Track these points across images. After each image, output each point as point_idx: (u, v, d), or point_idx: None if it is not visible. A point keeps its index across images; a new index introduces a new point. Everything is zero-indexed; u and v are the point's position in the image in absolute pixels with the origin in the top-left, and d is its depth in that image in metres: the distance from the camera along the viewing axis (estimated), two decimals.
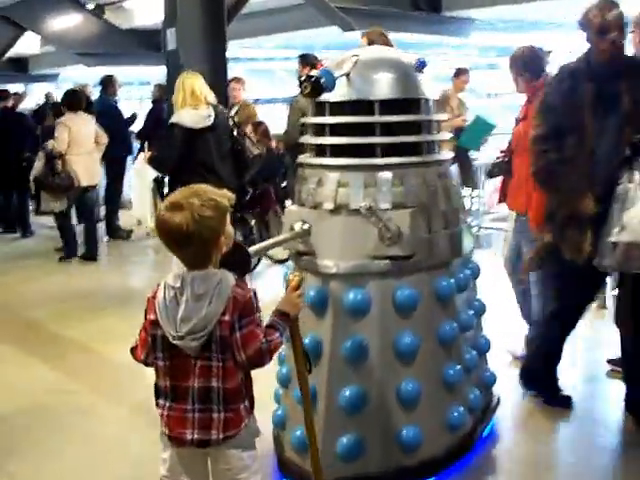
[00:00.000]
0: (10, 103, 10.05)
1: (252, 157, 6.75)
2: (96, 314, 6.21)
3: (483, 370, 3.78)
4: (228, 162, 5.79)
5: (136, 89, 19.41)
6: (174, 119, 5.48)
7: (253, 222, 7.19)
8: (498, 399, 3.94)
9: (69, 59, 14.43)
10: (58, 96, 10.87)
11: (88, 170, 8.08)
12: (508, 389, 4.20)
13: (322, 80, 2.98)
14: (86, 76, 14.85)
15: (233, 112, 8.28)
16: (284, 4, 11.86)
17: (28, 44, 15.33)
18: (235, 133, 6.13)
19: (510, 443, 3.78)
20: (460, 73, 9.08)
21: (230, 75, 8.93)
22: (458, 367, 3.30)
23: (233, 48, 9.73)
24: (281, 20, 12.65)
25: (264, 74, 24.86)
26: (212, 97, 5.72)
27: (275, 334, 2.39)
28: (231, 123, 6.18)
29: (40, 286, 7.31)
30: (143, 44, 13.77)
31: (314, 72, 3.06)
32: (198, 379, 2.32)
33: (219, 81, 8.56)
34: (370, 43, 5.12)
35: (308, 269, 3.14)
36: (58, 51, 14.52)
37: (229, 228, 2.40)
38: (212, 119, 5.52)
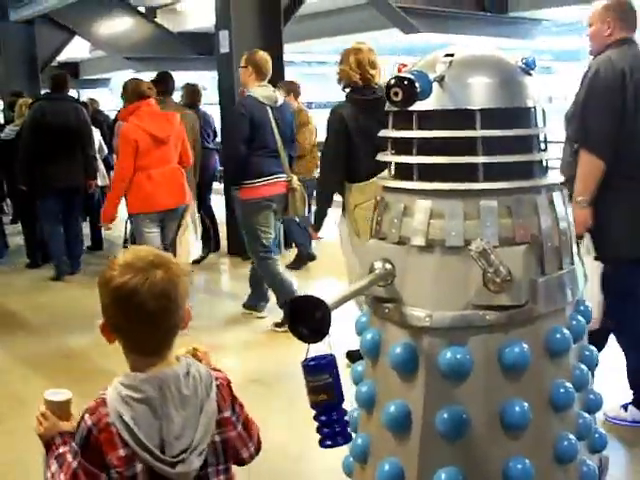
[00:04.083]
0: None
1: None
2: None
3: (594, 433, 3.15)
4: None
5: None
6: None
7: None
8: (606, 462, 3.30)
9: (119, 64, 14.10)
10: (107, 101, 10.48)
11: None
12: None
13: (417, 84, 2.35)
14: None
15: None
16: (342, 5, 11.32)
17: (78, 48, 15.04)
18: None
19: None
20: None
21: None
22: (572, 437, 2.68)
23: (287, 51, 9.21)
24: (338, 22, 12.12)
25: (317, 78, 24.48)
26: None
27: None
28: None
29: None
30: (195, 48, 13.35)
31: (405, 74, 2.39)
32: None
33: (274, 83, 8.09)
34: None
35: (392, 320, 2.55)
36: (108, 55, 14.20)
37: None
38: None
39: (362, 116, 4.82)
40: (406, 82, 2.36)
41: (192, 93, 8.32)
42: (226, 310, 6.93)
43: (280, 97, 6.10)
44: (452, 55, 2.61)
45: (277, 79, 8.22)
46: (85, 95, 17.76)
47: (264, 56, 5.98)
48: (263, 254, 6.04)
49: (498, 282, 2.38)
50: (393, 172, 2.76)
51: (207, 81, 13.95)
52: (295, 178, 6.04)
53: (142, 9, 13.40)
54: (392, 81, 2.41)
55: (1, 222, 9.74)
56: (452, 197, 2.51)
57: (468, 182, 2.51)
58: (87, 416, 1.78)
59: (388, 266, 2.55)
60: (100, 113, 10.90)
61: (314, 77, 24.64)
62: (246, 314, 6.64)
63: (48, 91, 8.51)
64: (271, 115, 5.88)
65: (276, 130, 5.91)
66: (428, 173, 2.57)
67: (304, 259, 7.95)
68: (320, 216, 5.25)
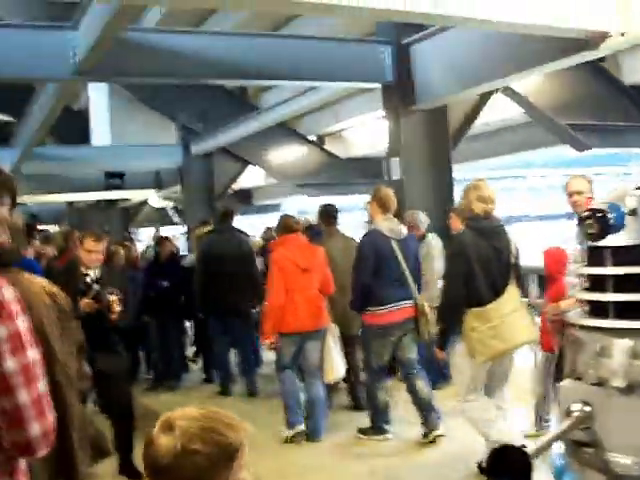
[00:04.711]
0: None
1: None
2: None
3: None
4: None
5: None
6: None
7: None
8: None
9: (290, 190, 14.67)
10: None
11: None
12: None
13: (610, 217, 2.34)
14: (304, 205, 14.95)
15: None
16: (509, 124, 11.37)
17: (252, 177, 15.79)
18: None
19: None
20: None
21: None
22: None
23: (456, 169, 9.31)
24: (505, 140, 12.17)
25: None
26: None
27: None
28: None
29: None
30: (363, 172, 13.72)
31: (599, 205, 2.40)
32: None
33: (443, 208, 8.18)
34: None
35: (593, 466, 2.43)
36: (280, 183, 14.82)
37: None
38: None
39: (481, 244, 5.12)
40: (600, 215, 2.36)
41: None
42: None
43: (404, 229, 6.46)
44: None
45: (447, 202, 8.33)
46: (258, 221, 18.58)
47: (388, 192, 6.38)
48: (373, 375, 6.46)
49: None
50: (587, 309, 2.68)
51: None
52: (425, 303, 6.32)
53: (312, 137, 13.98)
54: (585, 214, 2.42)
55: (182, 344, 10.18)
56: None
57: None
58: None
59: (587, 408, 2.45)
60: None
61: None
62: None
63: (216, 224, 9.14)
64: (395, 246, 6.24)
65: (402, 260, 6.25)
66: (625, 311, 2.49)
67: None
68: (443, 337, 5.39)
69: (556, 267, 5.94)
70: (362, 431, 6.62)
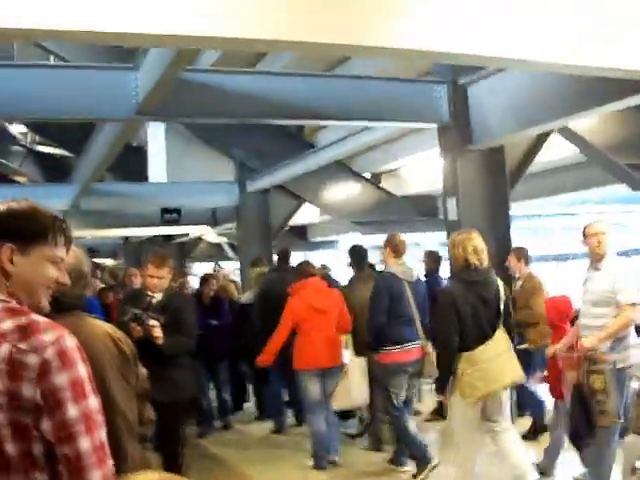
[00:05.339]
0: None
1: None
2: None
3: None
4: None
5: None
6: None
7: None
8: None
9: (345, 227, 14.69)
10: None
11: None
12: None
13: None
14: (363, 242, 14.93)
15: (518, 285, 7.83)
16: (566, 163, 11.26)
17: (307, 213, 15.85)
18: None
19: None
20: None
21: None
22: None
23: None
24: (561, 180, 12.06)
25: (540, 231, 24.27)
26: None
27: None
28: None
29: None
30: (418, 210, 13.70)
31: None
32: None
33: (501, 248, 8.11)
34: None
35: None
36: (335, 220, 14.84)
37: None
38: None
39: (470, 294, 5.44)
40: None
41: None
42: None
43: (415, 272, 7.00)
44: None
45: (505, 243, 8.25)
46: (313, 257, 18.60)
47: (400, 239, 6.91)
48: (394, 412, 6.75)
49: None
50: None
51: (433, 245, 14.25)
52: (429, 344, 6.68)
53: (368, 175, 14.00)
54: None
55: (244, 384, 10.23)
56: None
57: None
58: None
59: None
60: (329, 277, 11.23)
61: (536, 230, 24.40)
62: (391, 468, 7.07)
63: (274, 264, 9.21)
64: (407, 288, 6.71)
65: (412, 301, 6.71)
66: None
67: (539, 428, 7.60)
68: (441, 382, 5.71)
69: (558, 316, 6.14)
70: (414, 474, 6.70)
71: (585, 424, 5.20)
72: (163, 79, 6.34)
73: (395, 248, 6.82)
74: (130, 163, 16.13)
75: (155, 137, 15.96)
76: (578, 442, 5.49)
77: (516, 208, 11.93)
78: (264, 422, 9.30)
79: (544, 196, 12.88)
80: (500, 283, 5.65)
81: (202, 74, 7.68)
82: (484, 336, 5.40)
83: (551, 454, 6.30)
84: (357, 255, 7.87)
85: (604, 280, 5.44)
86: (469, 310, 5.39)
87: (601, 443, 5.11)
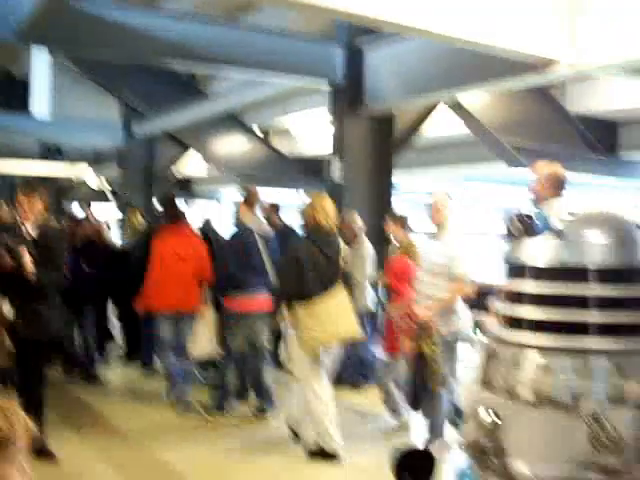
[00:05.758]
0: None
1: None
2: None
3: None
4: None
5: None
6: None
7: None
8: None
9: (228, 179, 14.51)
10: None
11: None
12: None
13: (535, 222, 2.66)
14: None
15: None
16: (454, 141, 11.49)
17: (194, 167, 15.63)
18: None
19: None
20: None
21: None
22: None
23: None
24: (446, 154, 12.30)
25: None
26: None
27: None
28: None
29: None
30: (305, 172, 13.70)
31: (529, 211, 2.77)
32: None
33: (380, 213, 8.22)
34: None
35: (495, 472, 2.50)
36: (221, 173, 14.66)
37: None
38: None
39: (314, 249, 5.76)
40: (526, 218, 2.67)
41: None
42: None
43: (268, 228, 7.19)
44: (572, 213, 2.67)
45: (385, 208, 8.37)
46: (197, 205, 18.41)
47: (255, 194, 7.04)
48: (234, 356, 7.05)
49: (606, 444, 2.34)
50: (504, 323, 2.75)
51: None
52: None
53: (257, 131, 13.89)
54: (515, 214, 2.70)
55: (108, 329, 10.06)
56: (562, 353, 2.50)
57: (579, 338, 2.50)
58: None
59: (494, 417, 2.53)
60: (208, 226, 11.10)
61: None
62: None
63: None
64: (260, 241, 6.89)
65: (265, 254, 6.88)
66: (539, 327, 2.57)
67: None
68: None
69: (396, 278, 6.43)
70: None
71: (423, 389, 5.72)
72: (50, 3, 6.06)
73: (250, 203, 6.98)
74: (10, 95, 15.47)
75: (40, 70, 15.33)
76: (418, 405, 5.94)
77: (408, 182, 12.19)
78: (130, 366, 9.23)
79: (432, 167, 13.03)
80: (343, 246, 6.02)
81: (98, 7, 7.35)
82: (324, 288, 5.70)
83: (388, 404, 6.69)
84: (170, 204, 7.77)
85: (441, 252, 5.75)
86: (310, 264, 5.69)
87: (435, 401, 5.70)
